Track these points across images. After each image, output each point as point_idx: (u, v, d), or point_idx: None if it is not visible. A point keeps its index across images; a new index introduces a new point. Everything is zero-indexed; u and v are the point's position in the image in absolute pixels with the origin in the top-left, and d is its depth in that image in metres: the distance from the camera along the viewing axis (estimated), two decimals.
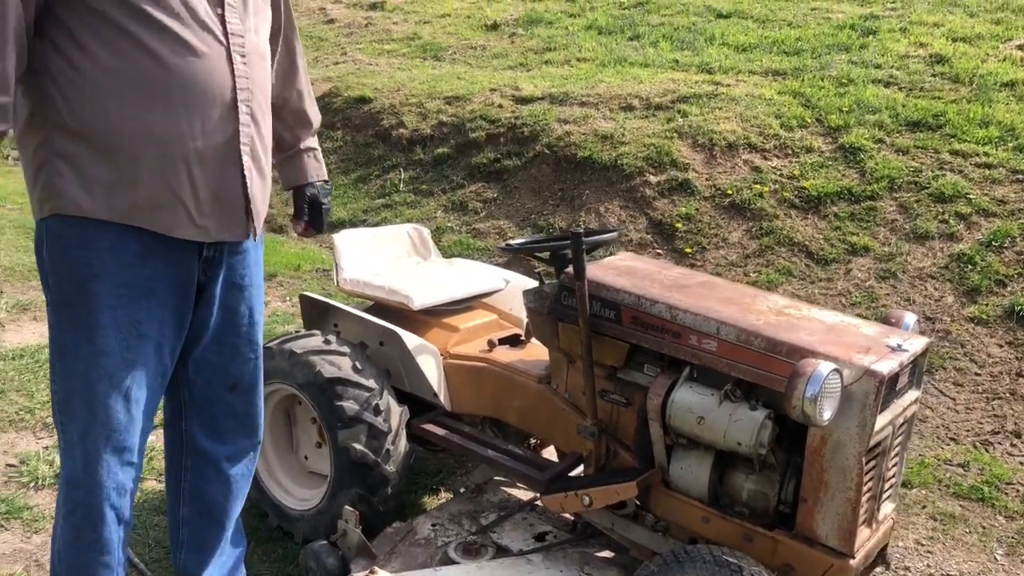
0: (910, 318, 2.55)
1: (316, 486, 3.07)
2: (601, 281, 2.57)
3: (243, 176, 2.11)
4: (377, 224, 6.90)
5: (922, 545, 3.23)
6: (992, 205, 5.58)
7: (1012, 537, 3.30)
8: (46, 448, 3.65)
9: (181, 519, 2.46)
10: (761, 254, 5.75)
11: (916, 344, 2.33)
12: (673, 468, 2.52)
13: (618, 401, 2.64)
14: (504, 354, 3.01)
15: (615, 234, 2.82)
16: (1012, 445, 4.04)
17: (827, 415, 2.10)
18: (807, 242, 5.73)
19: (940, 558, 3.17)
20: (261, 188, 2.19)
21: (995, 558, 3.18)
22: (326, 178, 2.62)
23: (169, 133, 1.95)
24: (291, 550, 2.99)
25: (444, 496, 3.37)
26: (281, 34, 2.39)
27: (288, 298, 5.70)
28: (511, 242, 2.85)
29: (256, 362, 2.40)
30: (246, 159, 2.10)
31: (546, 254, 2.80)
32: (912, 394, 2.41)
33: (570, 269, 2.59)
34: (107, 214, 1.95)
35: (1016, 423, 4.16)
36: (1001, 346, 4.62)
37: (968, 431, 4.12)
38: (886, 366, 2.17)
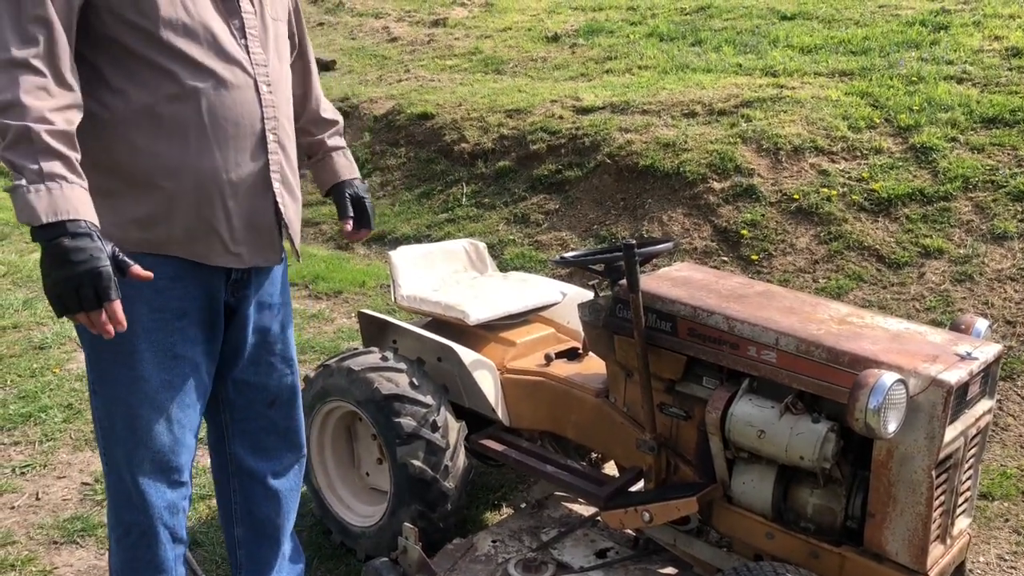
0: (981, 324, 2.45)
1: (377, 502, 3.09)
2: (656, 293, 2.53)
3: (275, 203, 2.14)
4: (441, 239, 6.95)
5: (1005, 560, 3.09)
6: None
7: None
8: None
9: (237, 541, 2.49)
10: (830, 259, 5.60)
11: (988, 352, 2.23)
12: (735, 483, 2.46)
13: (677, 414, 2.59)
14: (561, 368, 2.99)
15: (670, 244, 2.77)
16: None
17: (892, 427, 2.03)
18: (878, 246, 5.57)
19: None
20: (294, 211, 2.23)
21: None
22: (359, 176, 2.62)
23: (203, 167, 1.97)
24: (354, 567, 3.01)
25: (505, 512, 3.35)
26: (297, 53, 2.42)
27: (353, 315, 5.76)
28: (565, 255, 2.83)
29: (293, 377, 2.43)
30: (277, 185, 2.13)
31: (600, 266, 2.77)
32: (985, 404, 2.30)
33: (624, 281, 2.56)
34: (143, 247, 1.96)
35: None
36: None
37: None
38: (954, 375, 2.08)
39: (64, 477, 3.70)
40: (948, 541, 2.29)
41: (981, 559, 3.11)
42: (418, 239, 7.27)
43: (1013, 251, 5.20)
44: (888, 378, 2.00)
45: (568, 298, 3.31)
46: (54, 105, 1.72)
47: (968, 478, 2.33)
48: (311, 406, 3.06)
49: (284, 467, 2.46)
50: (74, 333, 5.32)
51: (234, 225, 2.06)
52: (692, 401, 2.56)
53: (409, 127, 8.65)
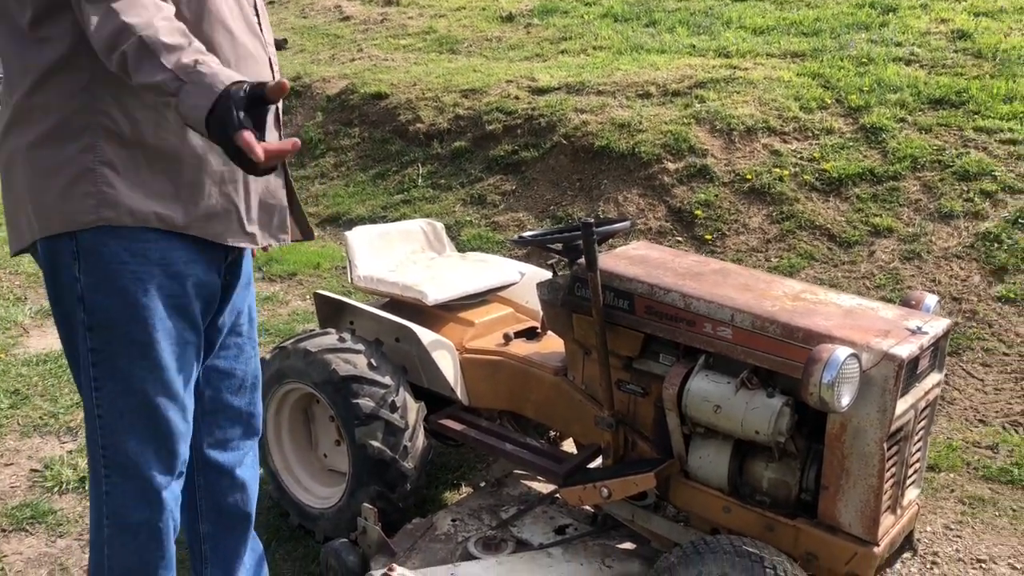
0: (931, 299, 2.50)
1: (336, 484, 3.07)
2: (614, 271, 2.55)
3: (287, 179, 2.12)
4: (396, 220, 6.91)
5: (951, 529, 3.18)
6: (1018, 181, 5.47)
7: None
8: (70, 452, 3.69)
9: (202, 536, 2.43)
10: (782, 239, 5.68)
11: (937, 326, 2.28)
12: (692, 458, 2.49)
13: (635, 391, 2.62)
14: (520, 347, 2.99)
15: (627, 223, 2.78)
16: None
17: (845, 401, 2.06)
18: (829, 225, 5.66)
19: (970, 542, 3.11)
20: (294, 190, 2.21)
21: None
22: None
23: None
24: (312, 548, 3.00)
25: (465, 491, 3.36)
26: None
27: (307, 297, 5.71)
28: (523, 234, 2.83)
29: (257, 360, 2.38)
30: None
31: (558, 245, 2.77)
32: (934, 377, 2.36)
33: (583, 260, 2.57)
34: (164, 223, 1.89)
35: None
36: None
37: (997, 412, 4.04)
38: (905, 349, 2.13)
39: (12, 464, 3.62)
40: (898, 511, 2.34)
41: (928, 529, 3.19)
42: (373, 220, 7.21)
43: (959, 230, 5.32)
44: (841, 352, 2.03)
45: (526, 278, 3.31)
46: (157, 15, 1.64)
47: (917, 450, 2.39)
48: (267, 388, 3.03)
49: (247, 455, 2.40)
50: (20, 317, 5.20)
51: (251, 204, 2.02)
52: (649, 378, 2.58)
53: (363, 107, 8.57)
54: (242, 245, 2.04)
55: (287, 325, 5.05)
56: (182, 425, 2.06)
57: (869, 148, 6.15)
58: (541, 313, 3.27)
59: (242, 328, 2.31)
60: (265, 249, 2.22)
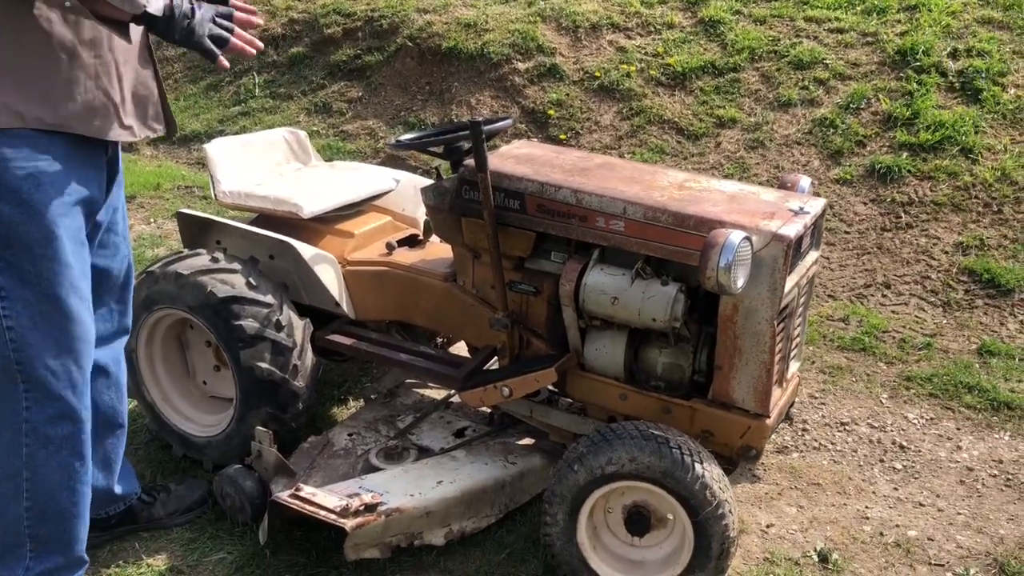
0: (805, 181, 2.61)
1: (220, 410, 2.95)
2: (502, 171, 2.51)
3: (155, 70, 2.13)
4: (236, 133, 6.54)
5: (815, 398, 3.42)
6: (847, 69, 5.76)
7: (893, 381, 3.54)
8: None
9: None
10: (634, 134, 5.79)
11: (816, 205, 2.39)
12: (588, 350, 2.54)
13: (527, 290, 2.62)
14: (405, 256, 2.93)
15: (510, 121, 2.74)
16: (883, 296, 4.29)
17: (741, 283, 2.14)
18: (677, 119, 5.80)
19: (833, 408, 3.36)
20: (161, 80, 2.22)
21: (881, 402, 3.40)
22: None
23: (100, 34, 1.95)
24: (202, 477, 2.88)
25: (353, 405, 3.31)
26: None
27: (152, 219, 5.36)
28: (401, 138, 2.73)
29: (131, 257, 2.39)
30: (155, 53, 2.15)
31: (440, 148, 2.70)
32: (813, 254, 2.48)
33: (469, 161, 2.51)
34: (45, 122, 1.90)
35: (885, 275, 4.41)
36: (865, 204, 4.86)
37: (844, 287, 4.35)
38: (792, 229, 2.22)
39: None
40: (784, 384, 2.49)
41: (796, 399, 3.42)
42: (210, 135, 6.81)
43: (797, 117, 5.58)
44: (736, 236, 2.09)
45: (401, 185, 3.22)
46: None
47: (799, 325, 2.53)
48: (136, 316, 2.83)
49: (118, 351, 2.42)
50: None
51: (125, 96, 2.04)
52: (541, 276, 2.59)
53: None
54: (122, 139, 2.06)
55: (136, 251, 4.73)
56: (91, 325, 2.08)
57: (709, 41, 6.30)
58: (422, 220, 3.22)
59: (117, 226, 2.30)
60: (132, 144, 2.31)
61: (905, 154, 5.04)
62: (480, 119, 2.39)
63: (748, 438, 2.37)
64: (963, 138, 5.01)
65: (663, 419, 2.44)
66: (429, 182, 3.17)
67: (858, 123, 5.37)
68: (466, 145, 2.76)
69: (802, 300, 2.48)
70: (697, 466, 2.19)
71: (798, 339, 2.55)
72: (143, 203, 5.61)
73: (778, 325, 2.29)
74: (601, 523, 2.40)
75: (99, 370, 2.30)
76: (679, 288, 2.33)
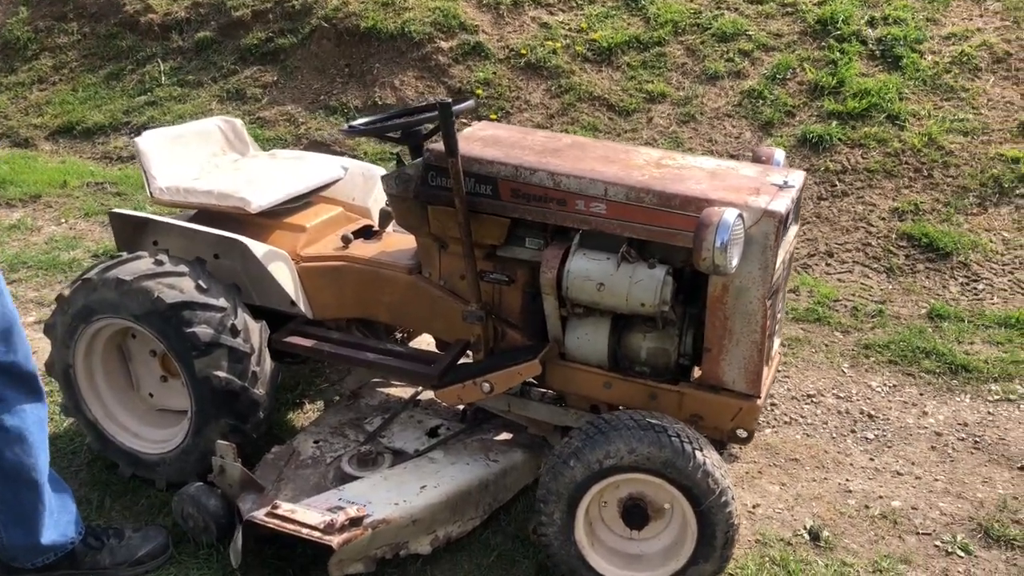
0: (779, 154, 2.56)
1: (171, 424, 2.73)
2: (471, 155, 2.37)
3: None
4: (143, 124, 6.19)
5: (779, 371, 3.40)
6: (770, 40, 5.79)
7: (852, 350, 3.56)
8: None
9: None
10: (564, 112, 5.70)
11: (797, 178, 2.33)
12: (570, 339, 2.43)
13: (500, 280, 2.49)
14: (362, 248, 2.76)
15: (473, 102, 2.60)
16: (828, 265, 4.32)
17: (735, 262, 2.06)
18: (606, 95, 5.73)
19: (797, 381, 3.35)
20: None
21: (843, 372, 3.41)
22: None
23: None
24: (157, 498, 2.67)
25: (310, 409, 3.13)
26: None
27: (63, 220, 4.99)
28: (354, 123, 2.56)
29: (9, 300, 2.16)
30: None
31: (398, 132, 2.54)
32: (794, 229, 2.43)
33: (434, 146, 2.36)
34: None
35: (827, 244, 4.45)
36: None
37: None
38: (782, 204, 2.15)
39: None
40: (770, 363, 2.44)
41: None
42: (115, 127, 6.44)
43: (726, 90, 5.58)
44: (731, 214, 2.01)
45: (349, 172, 3.04)
46: None
47: (780, 300, 2.48)
48: (71, 329, 2.60)
49: (11, 401, 2.17)
50: None
51: None
52: (515, 264, 2.47)
53: None
54: None
55: (48, 255, 4.40)
56: None
57: (631, 15, 6.24)
58: (373, 209, 3.06)
59: None
60: None
61: (834, 123, 5.10)
62: (448, 100, 2.24)
63: (739, 420, 2.31)
64: (889, 105, 5.09)
65: (650, 406, 2.36)
66: (380, 170, 3.01)
67: (786, 93, 5.40)
68: (426, 128, 2.61)
69: (785, 275, 2.43)
70: (698, 454, 2.12)
71: (779, 315, 2.50)
72: (51, 203, 5.22)
73: (768, 303, 2.22)
74: (596, 518, 2.31)
75: None
76: (666, 270, 2.25)
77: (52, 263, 4.27)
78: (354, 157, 5.08)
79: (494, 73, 5.88)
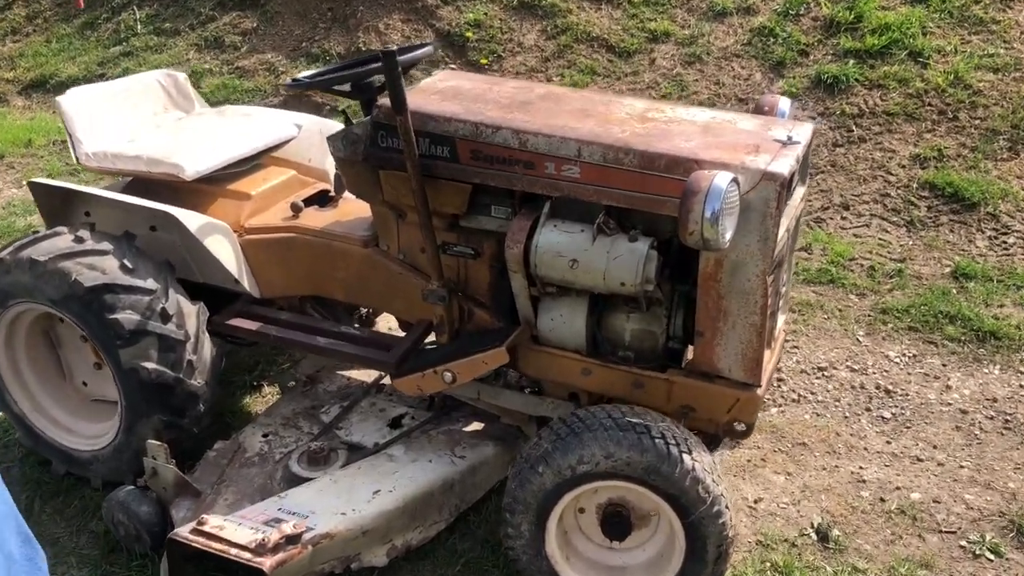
0: (784, 103, 2.21)
1: (106, 417, 2.47)
2: (425, 111, 2.04)
3: None
4: (120, 76, 5.85)
5: (788, 341, 3.09)
6: None
7: (868, 316, 3.23)
8: None
9: None
10: (561, 55, 5.31)
11: (804, 132, 1.99)
12: (542, 321, 2.13)
13: (464, 253, 2.19)
14: (314, 218, 2.45)
15: (430, 48, 2.26)
16: (843, 218, 3.98)
17: (729, 235, 1.75)
18: (606, 35, 5.34)
19: (807, 351, 3.04)
20: None
21: (858, 340, 3.09)
22: None
23: None
24: (91, 498, 2.42)
25: (268, 392, 2.86)
26: None
27: (24, 183, 4.70)
28: (299, 76, 2.24)
29: None
30: None
31: (347, 86, 2.21)
32: (801, 190, 2.10)
33: (384, 101, 2.04)
34: None
35: (842, 195, 4.10)
36: (814, 117, 4.50)
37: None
38: (784, 165, 1.82)
39: None
40: (772, 345, 2.13)
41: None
42: (90, 80, 6.09)
43: (735, 27, 5.17)
44: (722, 179, 1.69)
45: (304, 130, 2.72)
46: None
47: (785, 272, 2.16)
48: None
49: None
50: None
51: None
52: (480, 236, 2.16)
53: None
54: None
55: (6, 220, 4.12)
56: None
57: None
58: (332, 172, 2.74)
59: None
60: None
61: (851, 62, 4.69)
62: (393, 47, 1.91)
63: (736, 412, 2.01)
64: (911, 41, 4.68)
65: (635, 395, 2.07)
66: (339, 126, 2.68)
67: (799, 30, 4.99)
68: (379, 80, 2.27)
69: (791, 245, 2.11)
70: (686, 457, 1.83)
71: (784, 289, 2.18)
72: (13, 163, 4.92)
73: (769, 279, 1.90)
74: (573, 527, 2.04)
75: None
76: (650, 244, 1.93)
77: (8, 229, 3.99)
78: (336, 111, 4.75)
79: (485, 14, 5.49)
